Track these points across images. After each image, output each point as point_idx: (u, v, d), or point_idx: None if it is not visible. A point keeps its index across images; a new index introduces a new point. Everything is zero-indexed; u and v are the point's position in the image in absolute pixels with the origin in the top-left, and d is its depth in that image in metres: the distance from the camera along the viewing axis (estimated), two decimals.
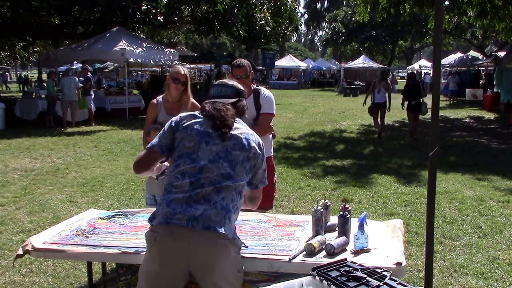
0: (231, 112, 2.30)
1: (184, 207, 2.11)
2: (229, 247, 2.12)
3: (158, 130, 3.76)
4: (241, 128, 2.30)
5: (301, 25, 34.37)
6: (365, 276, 1.81)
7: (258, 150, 2.29)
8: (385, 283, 1.76)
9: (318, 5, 62.85)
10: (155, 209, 2.23)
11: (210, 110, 2.29)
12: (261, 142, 2.35)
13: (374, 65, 33.26)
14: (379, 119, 10.99)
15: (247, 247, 2.33)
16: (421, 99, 10.40)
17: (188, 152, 2.22)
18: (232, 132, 2.24)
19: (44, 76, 22.09)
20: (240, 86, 2.50)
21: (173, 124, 2.31)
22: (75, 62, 19.54)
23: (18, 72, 44.12)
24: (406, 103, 10.57)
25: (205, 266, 2.09)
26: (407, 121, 11.54)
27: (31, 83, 28.66)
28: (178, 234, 2.09)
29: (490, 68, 22.61)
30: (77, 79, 13.24)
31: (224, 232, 2.08)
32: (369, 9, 13.68)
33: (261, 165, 2.33)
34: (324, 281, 1.81)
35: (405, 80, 13.81)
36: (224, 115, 2.26)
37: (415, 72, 28.42)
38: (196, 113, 2.33)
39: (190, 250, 2.07)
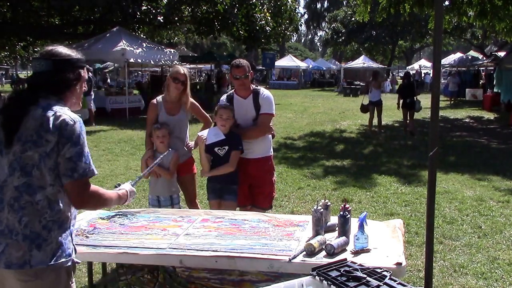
0: (25, 98, 1.81)
1: None
2: (43, 276, 1.80)
3: (160, 129, 3.78)
4: (36, 116, 1.78)
5: (301, 25, 34.37)
6: (365, 276, 1.81)
7: (63, 137, 1.77)
8: (385, 283, 1.76)
9: (318, 5, 62.88)
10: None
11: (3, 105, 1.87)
12: (70, 121, 1.80)
13: (374, 65, 33.21)
14: (375, 118, 11.51)
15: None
16: (415, 97, 10.83)
17: None
18: (21, 128, 1.77)
19: None
20: (64, 51, 1.92)
21: None
22: None
23: (11, 73, 44.10)
24: (401, 101, 11.07)
25: None
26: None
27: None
28: None
29: (490, 68, 22.57)
30: None
31: (30, 267, 1.78)
32: (369, 9, 13.66)
33: (67, 152, 1.78)
34: (324, 281, 1.81)
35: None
36: (8, 111, 1.80)
37: (414, 72, 28.52)
38: None
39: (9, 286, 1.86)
